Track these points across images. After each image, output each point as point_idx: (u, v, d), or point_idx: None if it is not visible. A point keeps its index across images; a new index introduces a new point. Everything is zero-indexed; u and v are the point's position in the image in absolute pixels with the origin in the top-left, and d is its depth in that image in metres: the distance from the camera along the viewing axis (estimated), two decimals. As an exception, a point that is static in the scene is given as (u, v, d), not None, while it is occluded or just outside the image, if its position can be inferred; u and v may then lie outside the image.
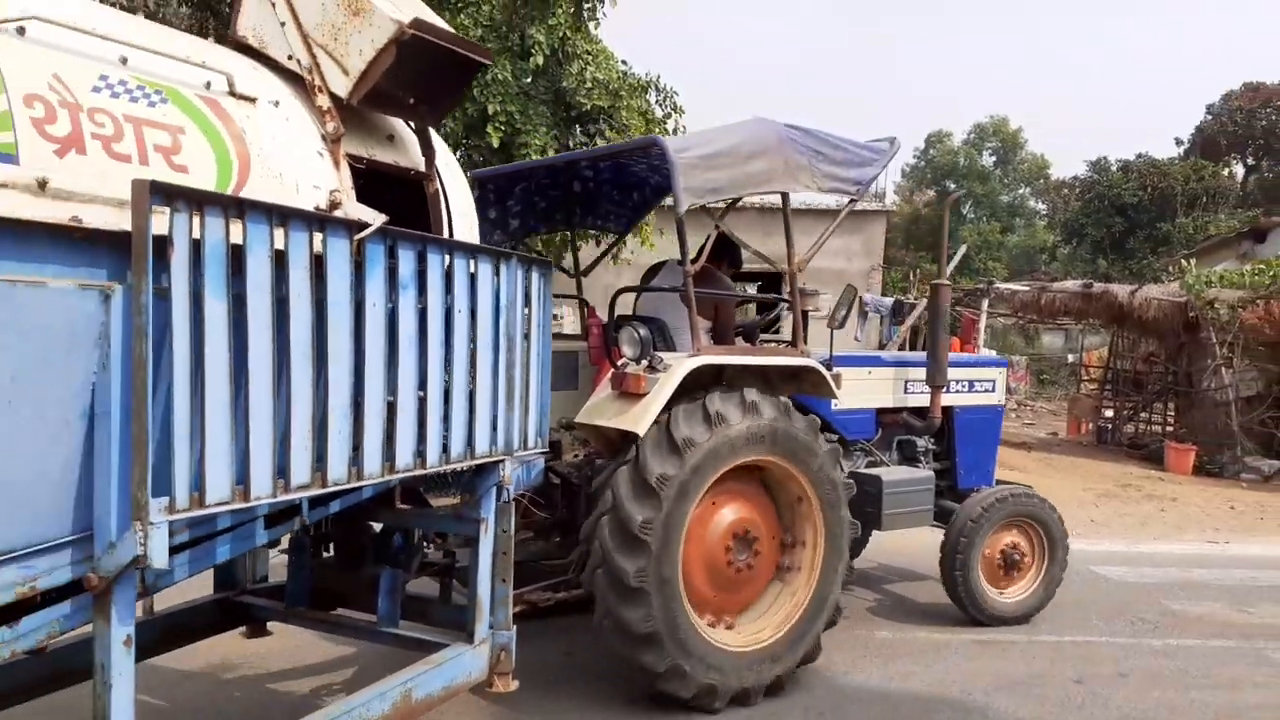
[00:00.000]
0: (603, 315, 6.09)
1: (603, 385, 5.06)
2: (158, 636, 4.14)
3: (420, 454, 3.35)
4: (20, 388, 2.28)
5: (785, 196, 5.40)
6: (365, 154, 3.41)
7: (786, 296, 5.65)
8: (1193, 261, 19.60)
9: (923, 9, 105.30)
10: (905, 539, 7.07)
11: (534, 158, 11.00)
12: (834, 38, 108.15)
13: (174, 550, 2.59)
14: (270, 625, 4.70)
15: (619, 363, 5.01)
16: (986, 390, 7.11)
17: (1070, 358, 26.66)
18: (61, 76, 2.41)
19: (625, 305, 5.94)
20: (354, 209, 3.14)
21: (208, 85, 2.85)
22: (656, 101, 13.15)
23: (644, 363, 4.86)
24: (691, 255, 5.09)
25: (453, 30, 3.36)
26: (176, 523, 2.51)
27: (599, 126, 11.94)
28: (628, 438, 4.71)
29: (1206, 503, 12.10)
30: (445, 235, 3.75)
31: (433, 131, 3.74)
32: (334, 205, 3.10)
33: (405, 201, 3.61)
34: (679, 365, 4.78)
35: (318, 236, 2.82)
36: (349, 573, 4.43)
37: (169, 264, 2.40)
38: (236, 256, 2.56)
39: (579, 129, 11.97)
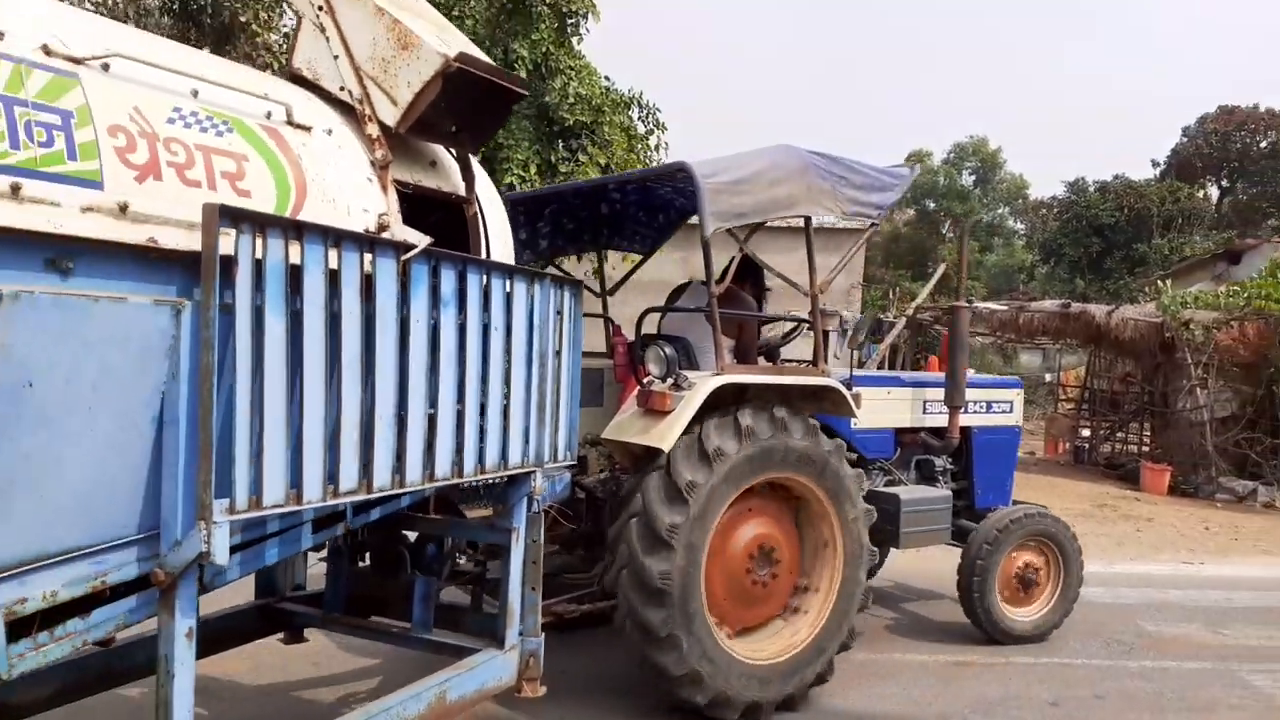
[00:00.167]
0: (628, 334, 6.27)
1: (629, 402, 5.21)
2: (202, 640, 4.31)
3: (458, 463, 3.52)
4: (99, 396, 2.47)
5: (808, 221, 5.56)
6: (410, 179, 3.60)
7: (808, 317, 5.81)
8: (1169, 282, 19.66)
9: (904, 30, 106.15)
10: (889, 562, 7.14)
11: (516, 173, 11.16)
12: (815, 58, 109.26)
13: (230, 551, 2.77)
14: (306, 631, 4.88)
15: (645, 380, 5.16)
16: (1004, 411, 7.22)
17: (1047, 377, 26.68)
18: (140, 109, 2.61)
19: (646, 323, 6.14)
20: (400, 231, 3.33)
21: (268, 115, 3.06)
22: (639, 118, 13.27)
23: (669, 381, 5.02)
24: (716, 276, 5.25)
25: (489, 63, 3.55)
26: (234, 523, 2.69)
27: (581, 142, 12.03)
28: (653, 454, 4.86)
29: (1182, 523, 12.15)
30: (483, 256, 3.93)
31: (472, 158, 3.93)
32: (382, 228, 3.29)
33: (446, 224, 3.79)
34: (703, 383, 4.93)
35: (368, 257, 3.01)
36: (384, 580, 4.59)
37: (234, 282, 2.59)
38: (294, 275, 2.75)
39: (561, 144, 12.05)
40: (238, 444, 2.62)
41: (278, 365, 2.71)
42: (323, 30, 3.40)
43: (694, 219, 5.65)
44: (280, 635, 4.83)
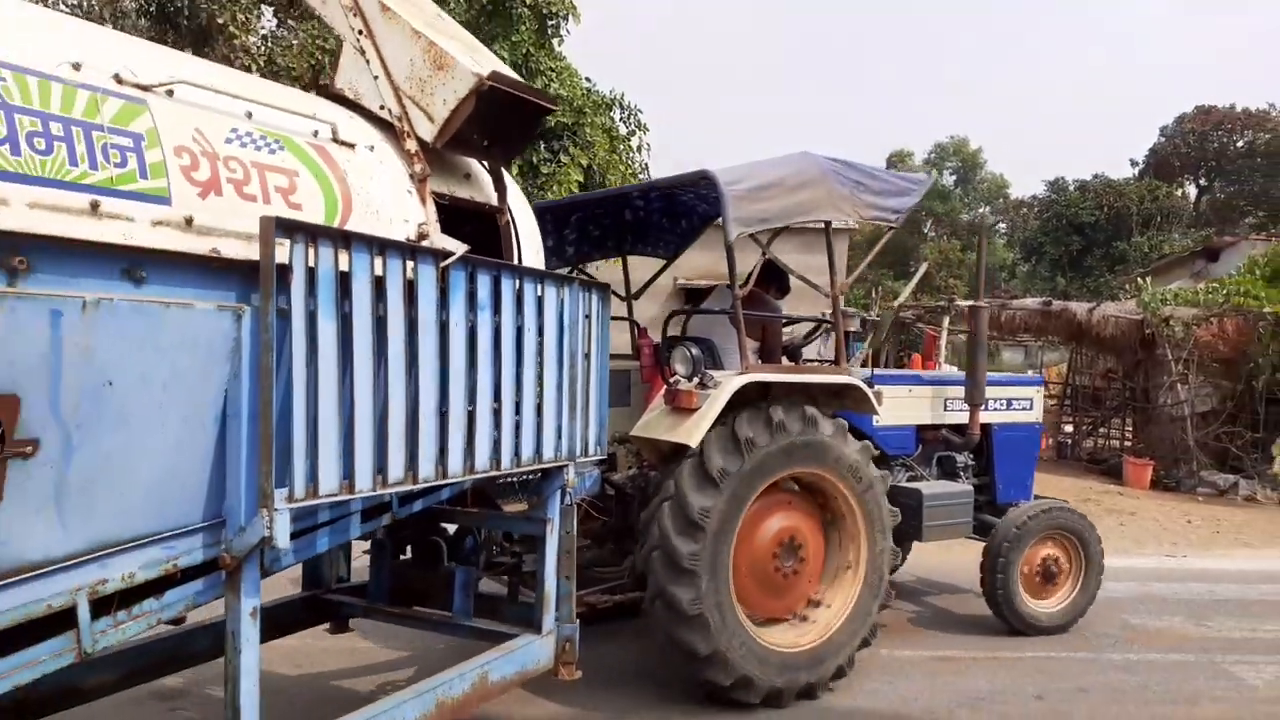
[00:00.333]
0: (654, 336, 6.48)
1: (656, 401, 5.41)
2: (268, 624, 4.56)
3: (495, 457, 3.73)
4: (169, 394, 2.71)
5: (828, 225, 5.74)
6: (447, 191, 3.83)
7: (829, 317, 5.99)
8: (1149, 280, 19.74)
9: (884, 29, 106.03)
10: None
11: None
12: (794, 57, 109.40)
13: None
14: (350, 622, 5.12)
15: (671, 380, 5.36)
16: (1024, 408, 7.35)
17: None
18: (202, 130, 2.84)
19: (672, 326, 6.34)
20: (439, 240, 3.54)
21: (315, 134, 3.29)
22: (621, 119, 13.37)
23: (695, 380, 5.21)
24: (740, 280, 5.44)
25: (519, 80, 3.77)
26: (292, 511, 2.91)
27: (563, 143, 12.12)
28: (680, 450, 5.05)
29: (1164, 517, 12.20)
30: (516, 262, 4.15)
31: (504, 169, 4.15)
32: (422, 237, 3.51)
33: (480, 232, 4.01)
34: (729, 382, 5.12)
35: (410, 264, 3.23)
36: (425, 572, 4.81)
37: (289, 288, 2.81)
38: (343, 281, 2.97)
39: (543, 145, 12.14)
40: (295, 438, 2.84)
41: (330, 365, 2.93)
42: (363, 53, 3.63)
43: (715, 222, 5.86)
44: (326, 625, 5.07)
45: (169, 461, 2.77)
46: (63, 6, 12.26)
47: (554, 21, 12.39)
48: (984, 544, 6.67)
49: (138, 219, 2.59)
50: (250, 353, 2.83)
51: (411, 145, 3.62)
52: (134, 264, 2.56)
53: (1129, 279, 25.04)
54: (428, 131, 3.62)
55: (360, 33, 3.62)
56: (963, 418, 6.82)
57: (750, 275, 5.82)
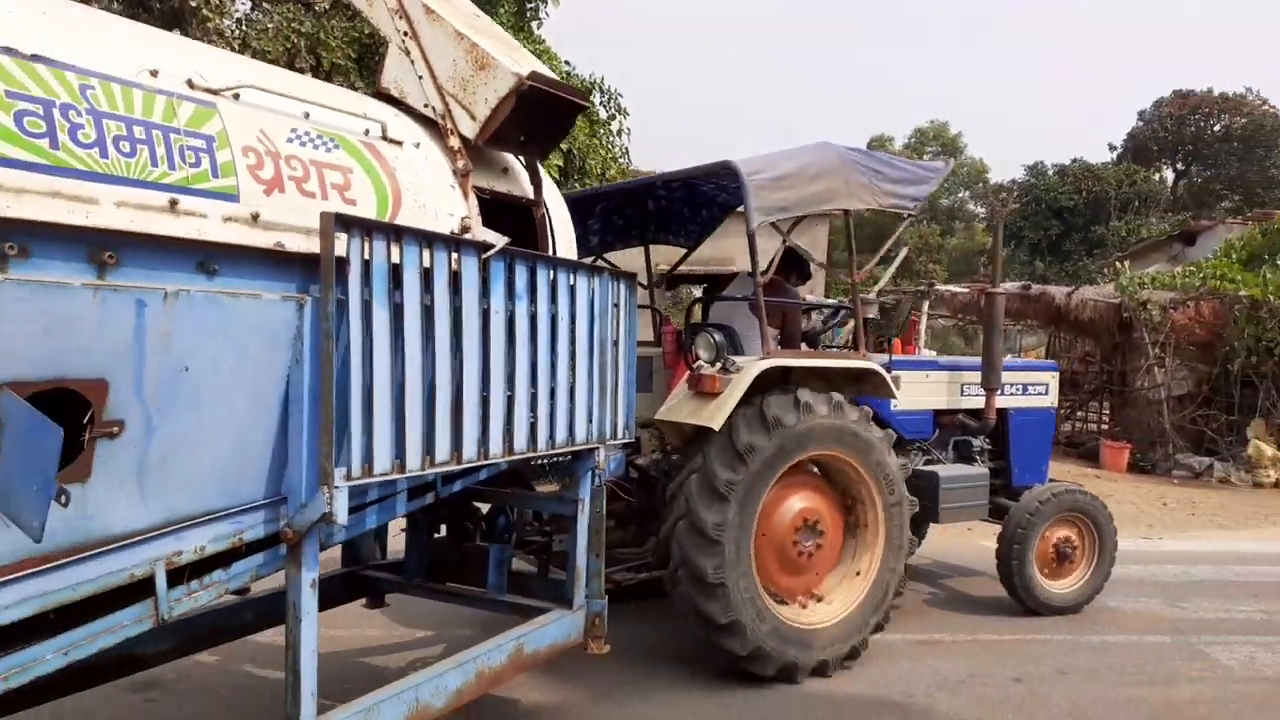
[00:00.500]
0: (676, 324, 6.65)
1: (680, 386, 5.59)
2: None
3: (532, 439, 3.91)
4: (237, 379, 2.90)
5: (847, 214, 5.90)
6: (487, 185, 4.01)
7: (848, 303, 6.15)
8: (1127, 263, 19.83)
9: (865, 14, 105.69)
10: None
11: None
12: (774, 44, 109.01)
13: (340, 514, 3.18)
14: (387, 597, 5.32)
15: (694, 365, 5.54)
16: (1040, 393, 7.50)
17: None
18: (266, 131, 3.03)
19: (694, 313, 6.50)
20: (480, 233, 3.72)
21: (367, 132, 3.47)
22: (601, 103, 13.41)
23: (718, 365, 5.39)
24: (762, 268, 5.61)
25: (556, 79, 3.94)
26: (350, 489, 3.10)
27: None
28: (704, 433, 5.24)
29: (1141, 499, 12.33)
30: (550, 253, 4.32)
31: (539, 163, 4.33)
32: (465, 229, 3.69)
33: (517, 224, 4.18)
34: (750, 367, 5.29)
35: (454, 256, 3.41)
36: (460, 549, 5.02)
37: (345, 279, 2.99)
38: (394, 273, 3.15)
39: None
40: (352, 420, 3.03)
41: (384, 351, 3.11)
42: (408, 53, 3.81)
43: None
44: (363, 600, 5.28)
45: (235, 442, 2.96)
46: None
47: (533, 4, 12.44)
48: (998, 527, 6.84)
49: (210, 215, 2.78)
50: (311, 340, 3.02)
51: (454, 142, 3.80)
52: (207, 257, 2.74)
53: (1107, 263, 25.27)
54: (470, 129, 3.80)
55: (405, 34, 3.79)
56: (979, 402, 6.98)
57: (771, 263, 5.98)
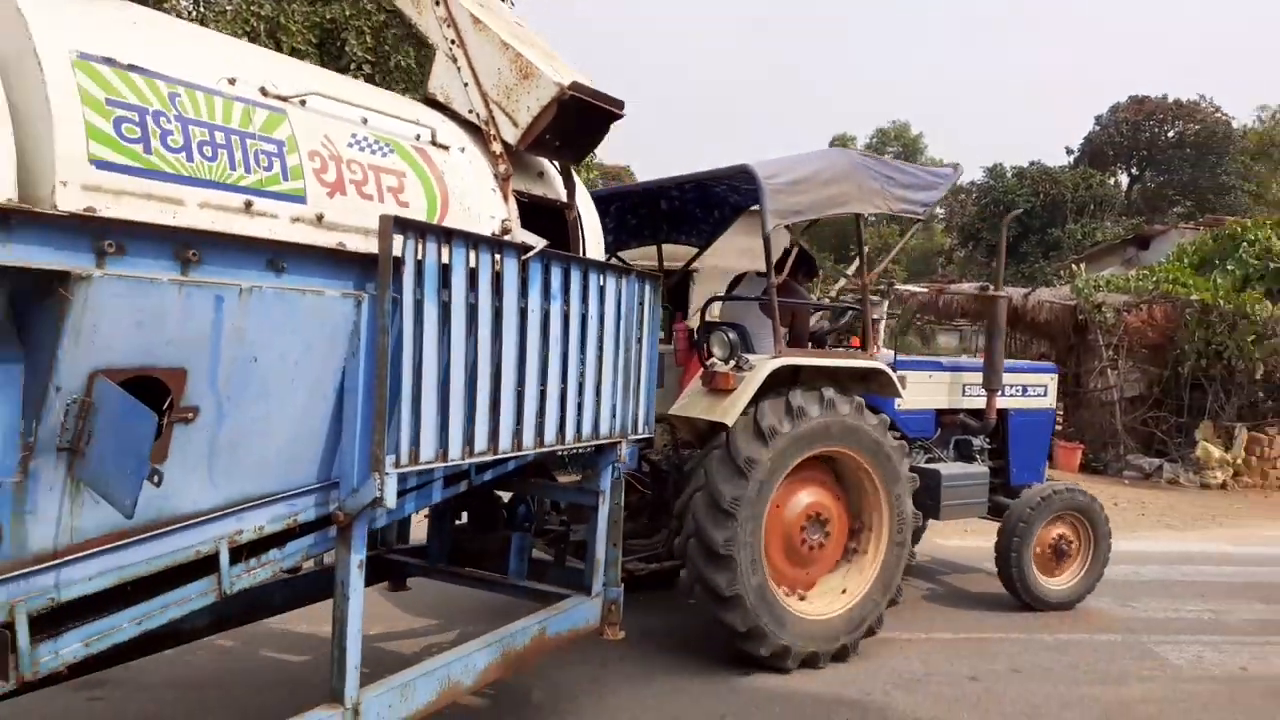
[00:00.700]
0: (688, 322, 6.84)
1: (694, 382, 5.78)
2: (323, 586, 4.95)
3: (561, 432, 4.10)
4: (299, 369, 3.08)
5: (859, 218, 6.09)
6: (525, 189, 4.19)
7: (857, 304, 6.35)
8: (1083, 266, 20.10)
9: (830, 20, 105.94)
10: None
11: None
12: (738, 41, 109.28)
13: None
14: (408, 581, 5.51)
15: (709, 362, 5.73)
16: (1039, 395, 7.72)
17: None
18: (329, 136, 3.20)
19: (707, 312, 6.69)
20: (519, 234, 3.90)
21: (418, 137, 3.64)
22: None
23: (732, 362, 5.58)
24: (757, 268, 5.79)
25: (595, 88, 4.11)
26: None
27: None
28: (717, 428, 5.43)
29: None
30: (581, 254, 4.51)
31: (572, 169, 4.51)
32: (505, 231, 3.87)
33: (549, 225, 4.36)
34: (764, 365, 5.48)
35: (497, 257, 3.59)
36: (481, 536, 5.20)
37: (400, 278, 3.17)
38: (444, 273, 3.33)
39: None
40: (401, 411, 3.22)
41: (431, 346, 3.30)
42: (454, 61, 3.98)
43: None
44: (384, 584, 5.46)
45: (294, 429, 3.15)
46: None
47: None
48: (997, 524, 7.05)
49: (280, 216, 2.96)
50: (367, 335, 3.19)
51: (497, 147, 3.97)
52: (277, 256, 2.91)
53: (1063, 265, 25.47)
54: (512, 135, 3.98)
55: (453, 42, 3.96)
56: (979, 403, 7.19)
57: (786, 264, 6.17)
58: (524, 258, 3.72)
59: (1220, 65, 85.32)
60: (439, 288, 3.30)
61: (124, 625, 2.77)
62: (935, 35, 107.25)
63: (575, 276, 4.08)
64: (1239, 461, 14.71)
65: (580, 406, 4.24)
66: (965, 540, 8.31)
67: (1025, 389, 7.59)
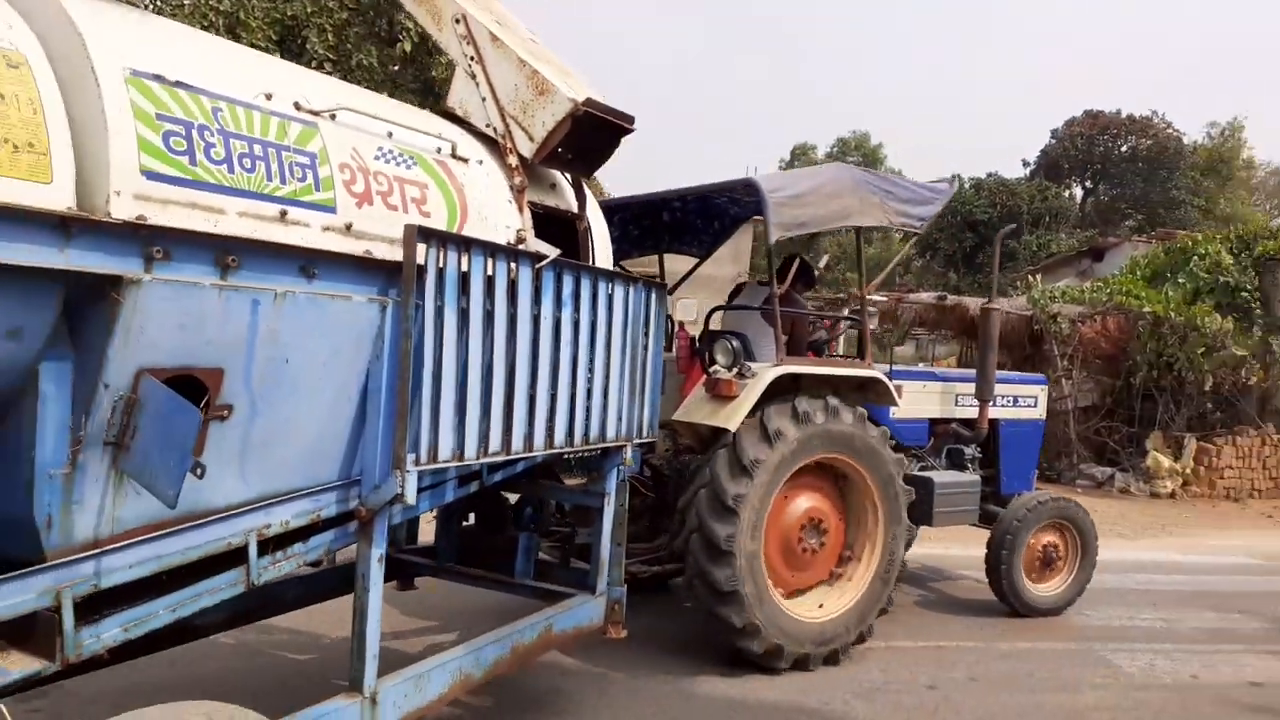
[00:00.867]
0: (689, 330, 7.00)
1: (697, 389, 5.94)
2: (333, 584, 5.09)
3: (570, 434, 4.25)
4: (327, 371, 3.22)
5: (858, 231, 6.26)
6: (539, 200, 4.35)
7: (855, 316, 6.52)
8: (1038, 277, 20.35)
9: (787, 25, 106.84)
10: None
11: None
12: (697, 51, 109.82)
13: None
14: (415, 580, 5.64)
15: (711, 370, 5.89)
16: (1029, 406, 7.89)
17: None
18: (358, 149, 3.36)
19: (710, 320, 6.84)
20: (533, 244, 4.06)
21: (439, 150, 3.80)
22: None
23: (735, 370, 5.74)
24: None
25: (608, 104, 4.27)
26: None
27: None
28: (719, 434, 5.59)
29: None
30: (591, 263, 4.66)
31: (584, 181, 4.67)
32: (520, 241, 4.02)
33: (560, 235, 4.52)
34: (765, 373, 5.65)
35: (512, 266, 3.74)
36: (489, 536, 5.34)
37: (422, 285, 3.32)
38: (463, 281, 3.47)
39: None
40: (422, 412, 3.36)
41: (450, 351, 3.44)
42: (473, 77, 4.14)
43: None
44: (393, 583, 5.58)
45: (320, 428, 3.29)
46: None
47: None
48: (988, 532, 7.22)
49: (312, 225, 3.11)
50: (391, 338, 3.34)
51: (513, 160, 4.13)
52: (309, 263, 3.06)
53: (1019, 276, 25.75)
54: (527, 149, 4.14)
55: (472, 59, 4.12)
56: (972, 413, 7.36)
57: (788, 274, 6.34)
58: (538, 266, 3.87)
59: (1172, 82, 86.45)
60: (458, 294, 3.45)
61: (160, 612, 2.90)
62: (894, 48, 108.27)
63: (585, 285, 4.23)
64: (1188, 471, 14.98)
65: (589, 410, 4.38)
66: (922, 548, 8.40)
67: (1016, 400, 7.77)
